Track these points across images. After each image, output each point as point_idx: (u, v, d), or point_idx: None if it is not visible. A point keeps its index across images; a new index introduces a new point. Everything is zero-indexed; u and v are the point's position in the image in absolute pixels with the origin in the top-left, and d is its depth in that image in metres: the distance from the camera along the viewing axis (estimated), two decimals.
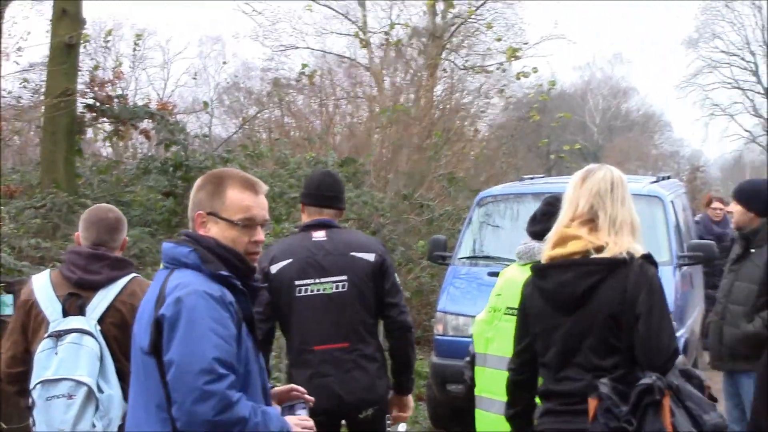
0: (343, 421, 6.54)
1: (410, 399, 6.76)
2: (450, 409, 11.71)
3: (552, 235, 5.09)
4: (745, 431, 5.22)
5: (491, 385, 5.99)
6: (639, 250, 4.93)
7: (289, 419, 4.18)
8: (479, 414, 6.17)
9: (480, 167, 21.90)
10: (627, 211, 5.01)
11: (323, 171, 7.27)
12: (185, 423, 3.91)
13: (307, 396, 4.49)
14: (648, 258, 4.94)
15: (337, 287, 6.46)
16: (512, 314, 5.33)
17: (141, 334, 4.10)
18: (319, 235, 6.55)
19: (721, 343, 8.34)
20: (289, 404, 4.44)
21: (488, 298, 6.54)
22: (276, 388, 4.47)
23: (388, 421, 6.55)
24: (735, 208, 8.39)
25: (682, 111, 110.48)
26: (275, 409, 4.16)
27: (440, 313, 11.67)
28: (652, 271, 4.91)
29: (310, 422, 4.25)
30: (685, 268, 12.43)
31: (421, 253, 15.61)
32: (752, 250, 8.24)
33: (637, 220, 5.04)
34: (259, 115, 21.61)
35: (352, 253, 6.48)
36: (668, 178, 15.15)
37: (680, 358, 5.04)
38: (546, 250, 5.09)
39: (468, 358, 6.33)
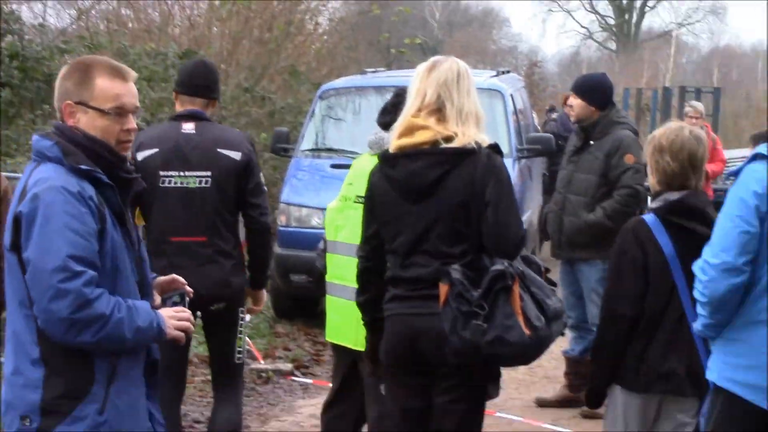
0: (198, 312, 6.59)
1: (264, 293, 6.93)
2: (293, 299, 11.85)
3: (399, 125, 5.12)
4: (600, 317, 5.42)
5: (341, 272, 6.07)
6: (486, 140, 5.03)
7: (164, 311, 4.10)
8: (329, 300, 6.26)
9: (321, 61, 21.82)
10: (472, 102, 5.08)
11: (197, 60, 7.28)
12: (44, 321, 3.86)
13: (187, 287, 4.38)
14: (495, 148, 5.04)
15: (200, 182, 6.48)
16: (362, 203, 5.39)
17: (6, 231, 4.01)
18: (189, 126, 6.53)
19: (561, 233, 8.58)
20: (167, 296, 4.34)
21: (330, 190, 6.60)
22: (158, 279, 4.38)
23: (242, 314, 6.65)
24: (575, 102, 8.57)
25: (520, 6, 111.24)
26: (145, 303, 4.08)
27: (283, 205, 11.73)
28: (499, 160, 5.01)
29: (187, 313, 4.17)
30: (524, 160, 12.70)
31: (263, 146, 15.59)
32: (591, 142, 8.45)
33: (481, 111, 5.12)
34: (95, 6, 21.14)
35: (219, 150, 6.48)
36: (508, 72, 15.37)
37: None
38: (393, 140, 5.13)
39: (321, 246, 6.41)
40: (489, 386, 5.28)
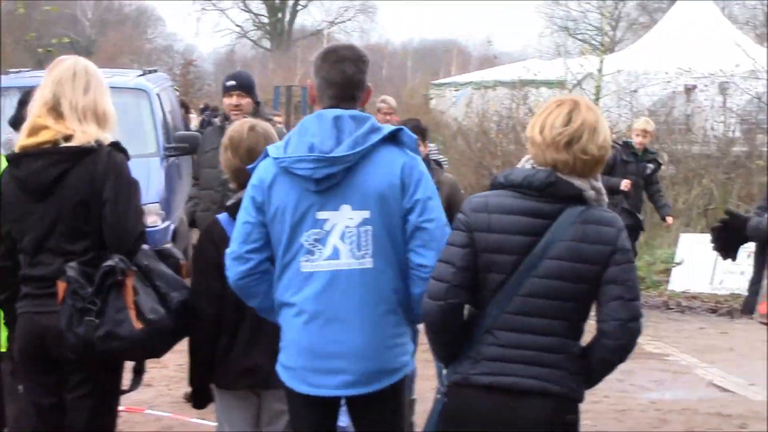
0: None
1: None
2: None
3: (25, 126, 5.18)
4: None
5: None
6: (108, 139, 5.11)
7: None
8: None
9: None
10: (91, 100, 5.14)
11: None
12: None
13: None
14: (116, 146, 5.13)
15: None
16: None
17: None
18: None
19: None
20: None
21: None
22: None
23: None
24: (245, 101, 8.39)
25: (173, 6, 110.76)
26: None
27: None
28: (120, 158, 5.11)
29: None
30: (172, 159, 12.81)
31: None
32: None
33: (104, 109, 5.17)
34: None
35: None
36: (155, 71, 15.43)
37: (170, 244, 5.28)
38: (21, 140, 5.18)
39: None
40: (132, 381, 5.40)
